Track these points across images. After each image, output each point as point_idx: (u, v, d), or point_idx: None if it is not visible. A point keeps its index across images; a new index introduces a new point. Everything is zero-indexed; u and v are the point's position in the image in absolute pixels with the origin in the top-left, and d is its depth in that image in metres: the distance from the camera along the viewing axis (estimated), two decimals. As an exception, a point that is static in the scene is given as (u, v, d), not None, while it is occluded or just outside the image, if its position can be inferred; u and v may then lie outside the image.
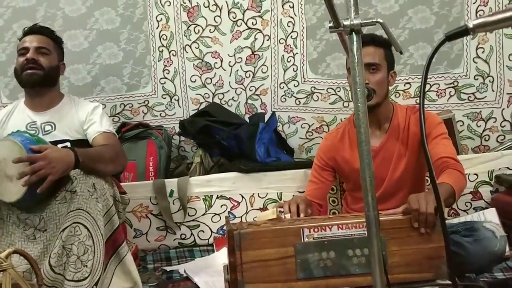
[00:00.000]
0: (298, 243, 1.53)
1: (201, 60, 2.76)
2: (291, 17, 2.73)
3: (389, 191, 2.01)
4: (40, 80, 2.09)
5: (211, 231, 2.48)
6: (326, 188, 2.17)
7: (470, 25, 0.97)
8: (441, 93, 2.71)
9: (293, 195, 2.44)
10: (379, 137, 2.04)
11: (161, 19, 2.74)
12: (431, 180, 1.08)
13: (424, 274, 1.53)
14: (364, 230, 1.52)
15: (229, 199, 2.48)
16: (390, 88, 2.11)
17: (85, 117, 2.10)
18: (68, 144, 2.04)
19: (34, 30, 2.17)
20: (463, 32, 0.98)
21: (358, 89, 1.10)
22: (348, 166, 2.07)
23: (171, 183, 2.45)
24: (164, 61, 2.76)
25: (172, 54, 2.76)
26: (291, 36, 2.74)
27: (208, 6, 2.72)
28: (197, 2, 2.72)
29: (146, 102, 2.78)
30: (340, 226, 1.54)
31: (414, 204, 1.56)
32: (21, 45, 2.13)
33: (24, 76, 2.08)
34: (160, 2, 2.73)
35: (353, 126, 2.07)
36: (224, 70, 2.76)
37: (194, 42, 2.75)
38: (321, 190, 2.14)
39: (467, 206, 2.49)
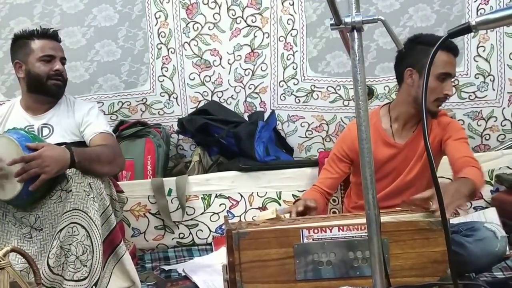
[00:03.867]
0: (297, 244, 1.51)
1: (200, 58, 2.75)
2: (291, 15, 2.71)
3: (399, 189, 2.00)
4: (63, 92, 2.09)
5: (210, 230, 2.47)
6: (340, 179, 2.13)
7: (473, 22, 0.96)
8: (441, 91, 2.70)
9: (292, 194, 2.44)
10: (405, 136, 2.01)
11: (160, 16, 2.72)
12: (433, 179, 1.06)
13: (428, 278, 1.50)
14: (366, 232, 1.49)
15: (228, 198, 2.47)
16: None
17: (81, 119, 2.07)
18: None
19: (54, 35, 2.09)
20: (466, 29, 0.97)
21: (359, 87, 1.08)
22: None
23: (170, 182, 2.44)
24: (163, 59, 2.74)
25: (171, 51, 2.74)
26: (291, 34, 2.73)
27: (207, 3, 2.71)
28: (196, -1, 2.71)
29: (144, 100, 2.76)
30: (341, 227, 1.51)
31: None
32: (43, 50, 2.02)
33: (51, 87, 2.02)
34: (159, -1, 2.72)
35: (380, 121, 2.03)
36: (223, 68, 2.75)
37: (193, 39, 2.73)
38: (335, 180, 2.10)
39: (467, 205, 2.48)
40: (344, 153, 2.06)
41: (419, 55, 1.91)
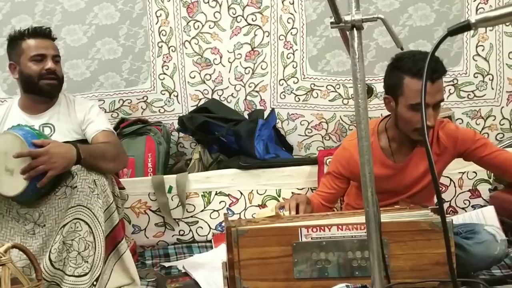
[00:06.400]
0: (295, 242, 1.50)
1: (200, 56, 2.75)
2: (291, 14, 2.72)
3: (403, 199, 1.98)
4: (57, 90, 2.06)
5: (210, 228, 2.48)
6: (338, 194, 2.10)
7: (472, 20, 0.97)
8: (440, 90, 2.71)
9: (292, 192, 2.45)
10: (405, 153, 1.95)
11: (161, 14, 2.73)
12: (434, 183, 1.06)
13: (429, 279, 1.48)
14: (365, 232, 1.49)
15: (228, 195, 2.48)
16: None
17: (83, 117, 2.06)
18: None
19: (46, 33, 2.05)
20: (465, 27, 0.97)
21: (359, 85, 1.09)
22: None
23: (170, 179, 2.45)
24: (163, 57, 2.75)
25: (172, 50, 2.75)
26: (291, 33, 2.74)
27: (208, 2, 2.71)
28: (196, -2, 2.72)
29: (145, 98, 2.77)
30: (340, 227, 1.50)
31: None
32: (33, 50, 1.99)
33: (44, 86, 2.00)
34: (160, -3, 2.72)
35: (377, 138, 1.95)
36: (224, 66, 2.76)
37: (193, 38, 2.74)
38: (334, 196, 2.07)
39: (465, 204, 2.49)
40: (339, 172, 2.02)
41: (393, 81, 1.84)
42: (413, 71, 1.76)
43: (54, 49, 2.06)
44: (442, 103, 1.90)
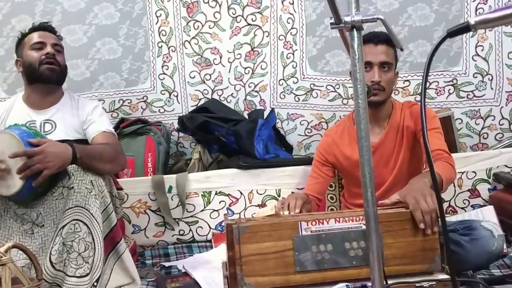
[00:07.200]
0: (296, 236, 1.54)
1: (200, 56, 2.76)
2: (291, 14, 2.73)
3: (388, 188, 2.02)
4: (58, 77, 2.07)
5: (210, 227, 2.48)
6: (325, 183, 2.20)
7: (472, 21, 0.97)
8: (440, 90, 2.71)
9: (291, 192, 2.45)
10: (378, 133, 2.05)
11: (161, 14, 2.73)
12: (431, 175, 1.07)
13: (418, 266, 1.56)
14: (360, 223, 1.55)
15: (228, 195, 2.48)
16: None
17: (85, 117, 2.08)
18: None
19: (47, 28, 2.12)
20: (465, 28, 0.98)
21: (358, 86, 1.10)
22: (347, 162, 2.09)
23: (170, 179, 2.45)
24: (163, 57, 2.76)
25: (171, 50, 2.75)
26: (291, 33, 2.74)
27: (208, 2, 2.72)
28: (196, -2, 2.72)
29: (145, 98, 2.78)
30: (337, 219, 1.56)
31: (414, 205, 1.56)
32: (33, 39, 2.06)
33: (44, 71, 2.02)
34: (160, -3, 2.73)
35: (353, 123, 2.07)
36: (224, 66, 2.76)
37: (193, 38, 2.75)
38: (321, 185, 2.16)
39: (465, 203, 2.50)
40: (323, 157, 2.16)
41: None
42: (364, 38, 1.92)
43: (54, 38, 2.12)
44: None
